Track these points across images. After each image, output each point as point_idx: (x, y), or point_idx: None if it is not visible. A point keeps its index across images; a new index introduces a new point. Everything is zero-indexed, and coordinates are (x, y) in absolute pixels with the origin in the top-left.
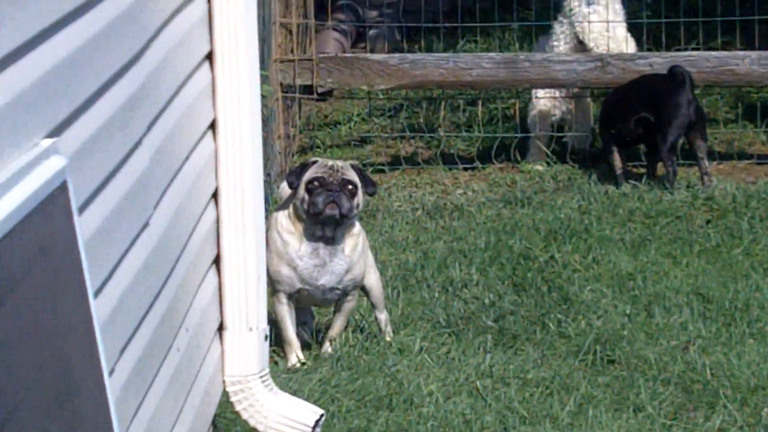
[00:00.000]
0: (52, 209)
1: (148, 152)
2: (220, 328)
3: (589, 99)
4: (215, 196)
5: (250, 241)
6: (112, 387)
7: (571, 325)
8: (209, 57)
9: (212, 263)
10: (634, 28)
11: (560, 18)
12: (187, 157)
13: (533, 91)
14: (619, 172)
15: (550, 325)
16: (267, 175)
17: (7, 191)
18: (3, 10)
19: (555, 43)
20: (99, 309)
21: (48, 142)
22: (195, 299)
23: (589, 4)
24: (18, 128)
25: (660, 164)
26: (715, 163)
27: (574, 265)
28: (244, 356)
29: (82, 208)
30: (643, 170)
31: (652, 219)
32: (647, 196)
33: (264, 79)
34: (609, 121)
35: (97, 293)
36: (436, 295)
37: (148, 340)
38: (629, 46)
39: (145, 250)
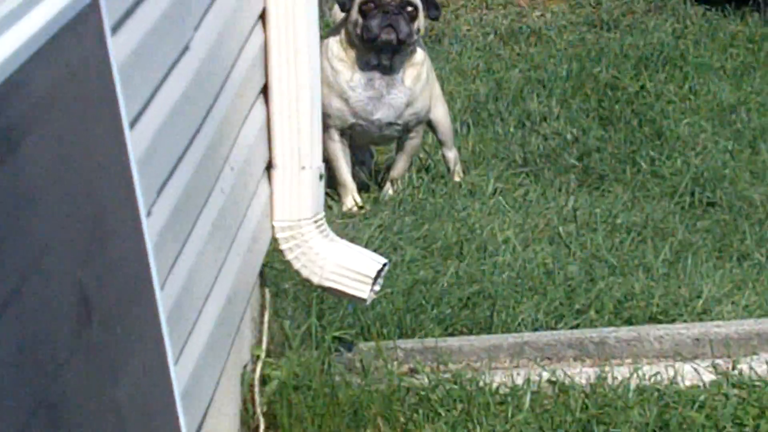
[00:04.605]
0: (83, 29)
1: None
2: (269, 167)
3: None
4: (262, 16)
5: (302, 68)
6: (149, 230)
7: (666, 163)
8: None
9: (260, 93)
10: None
11: None
12: None
13: None
14: None
15: (642, 163)
16: None
17: (32, 8)
18: None
19: None
20: (134, 142)
21: None
22: (240, 134)
23: None
24: None
25: None
26: None
27: (669, 96)
28: (296, 198)
29: (115, 28)
30: None
31: (757, 43)
32: (751, 17)
33: None
34: None
35: (132, 125)
36: (512, 130)
37: (188, 178)
38: None
39: (185, 77)
